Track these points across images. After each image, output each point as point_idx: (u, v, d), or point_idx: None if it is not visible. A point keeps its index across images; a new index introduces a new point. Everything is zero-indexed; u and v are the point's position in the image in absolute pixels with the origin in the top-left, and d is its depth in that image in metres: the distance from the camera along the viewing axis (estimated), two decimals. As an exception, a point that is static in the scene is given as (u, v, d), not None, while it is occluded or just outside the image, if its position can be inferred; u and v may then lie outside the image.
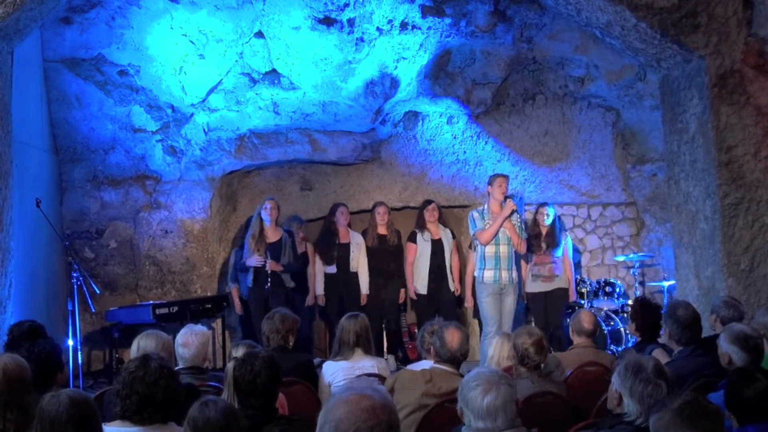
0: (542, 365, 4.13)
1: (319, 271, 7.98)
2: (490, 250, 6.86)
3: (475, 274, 7.02)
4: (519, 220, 7.03)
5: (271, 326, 4.66)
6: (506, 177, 7.15)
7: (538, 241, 7.71)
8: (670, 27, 5.89)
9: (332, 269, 7.99)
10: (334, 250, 7.96)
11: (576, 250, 8.54)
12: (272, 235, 7.25)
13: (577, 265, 8.50)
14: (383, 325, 7.98)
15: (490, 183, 7.06)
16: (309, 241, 8.01)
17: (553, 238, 7.73)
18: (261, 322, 4.86)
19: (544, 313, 7.67)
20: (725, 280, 5.92)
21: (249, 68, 7.38)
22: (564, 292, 7.75)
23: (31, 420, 2.68)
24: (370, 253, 8.00)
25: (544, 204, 7.99)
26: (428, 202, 8.11)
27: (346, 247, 7.98)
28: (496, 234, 6.82)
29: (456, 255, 8.08)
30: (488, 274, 6.84)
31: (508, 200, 6.89)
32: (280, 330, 4.64)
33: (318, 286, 7.96)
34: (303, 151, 8.20)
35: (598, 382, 4.10)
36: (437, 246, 7.96)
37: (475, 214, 7.01)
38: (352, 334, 4.63)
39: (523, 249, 7.11)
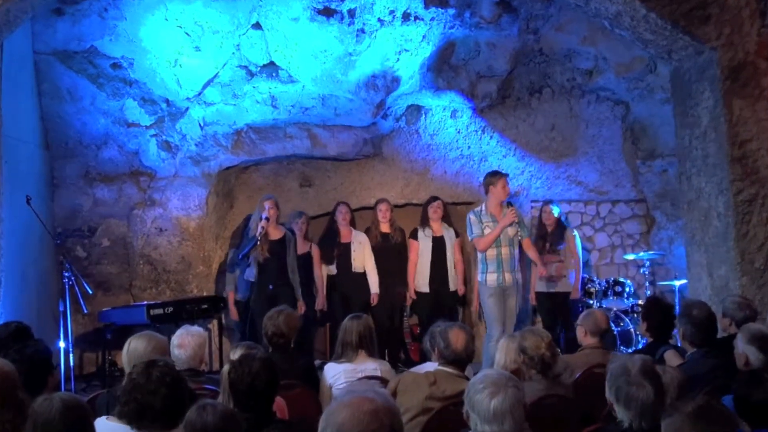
0: (551, 367, 4.04)
1: (324, 272, 7.86)
2: (491, 252, 6.76)
3: (478, 277, 6.94)
4: (517, 226, 6.80)
5: (271, 325, 4.59)
6: (507, 176, 7.04)
7: (542, 242, 7.66)
8: (680, 18, 5.82)
9: (332, 269, 7.87)
10: (334, 249, 7.84)
11: (584, 249, 8.47)
12: (274, 234, 7.17)
13: (586, 264, 8.45)
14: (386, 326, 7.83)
15: (491, 183, 6.86)
16: (312, 240, 7.86)
17: (555, 237, 7.70)
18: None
19: (551, 314, 7.61)
20: (739, 279, 5.83)
21: (246, 61, 7.35)
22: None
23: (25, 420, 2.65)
24: (373, 251, 7.85)
25: (548, 202, 7.94)
26: (434, 198, 7.94)
27: (346, 247, 7.85)
28: (494, 241, 6.72)
29: (459, 255, 7.93)
30: (491, 278, 6.74)
31: (510, 209, 6.75)
32: (282, 329, 4.57)
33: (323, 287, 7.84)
34: (302, 146, 8.14)
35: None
36: (438, 243, 7.81)
37: (472, 218, 6.87)
38: (354, 336, 4.54)
39: (532, 254, 7.02)
